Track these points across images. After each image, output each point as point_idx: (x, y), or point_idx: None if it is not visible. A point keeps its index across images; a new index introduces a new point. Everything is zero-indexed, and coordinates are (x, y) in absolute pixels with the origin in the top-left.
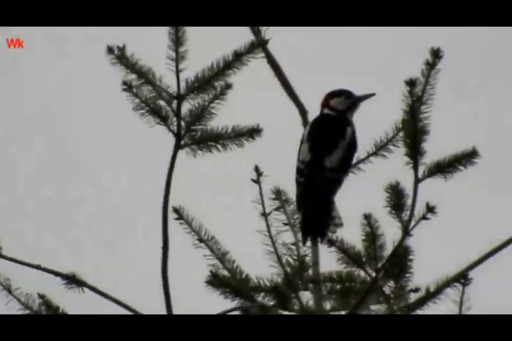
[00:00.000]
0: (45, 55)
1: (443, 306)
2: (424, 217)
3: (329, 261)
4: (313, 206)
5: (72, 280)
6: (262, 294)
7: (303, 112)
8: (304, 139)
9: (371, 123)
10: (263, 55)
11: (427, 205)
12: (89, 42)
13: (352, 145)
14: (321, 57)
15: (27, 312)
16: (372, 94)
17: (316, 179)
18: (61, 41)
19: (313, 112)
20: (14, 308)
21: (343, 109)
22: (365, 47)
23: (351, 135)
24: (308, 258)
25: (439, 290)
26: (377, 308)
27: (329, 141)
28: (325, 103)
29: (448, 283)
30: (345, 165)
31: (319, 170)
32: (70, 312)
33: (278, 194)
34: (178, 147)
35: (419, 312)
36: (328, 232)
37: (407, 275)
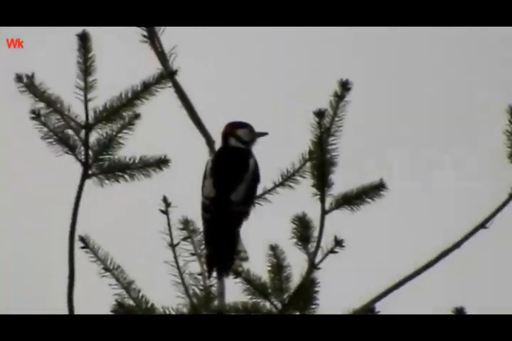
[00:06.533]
0: None
1: None
2: (332, 251)
3: (235, 292)
4: (220, 241)
5: None
6: None
7: (209, 142)
8: (207, 174)
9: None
10: (171, 85)
11: (335, 239)
12: None
13: (255, 177)
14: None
15: None
16: (266, 133)
17: (223, 214)
18: None
19: (220, 142)
20: None
21: (247, 140)
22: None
23: (254, 166)
24: (214, 289)
25: None
26: None
27: (233, 174)
28: (230, 133)
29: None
30: (250, 198)
31: (225, 205)
32: None
33: (186, 224)
34: (85, 176)
35: None
36: (234, 267)
37: (313, 307)
